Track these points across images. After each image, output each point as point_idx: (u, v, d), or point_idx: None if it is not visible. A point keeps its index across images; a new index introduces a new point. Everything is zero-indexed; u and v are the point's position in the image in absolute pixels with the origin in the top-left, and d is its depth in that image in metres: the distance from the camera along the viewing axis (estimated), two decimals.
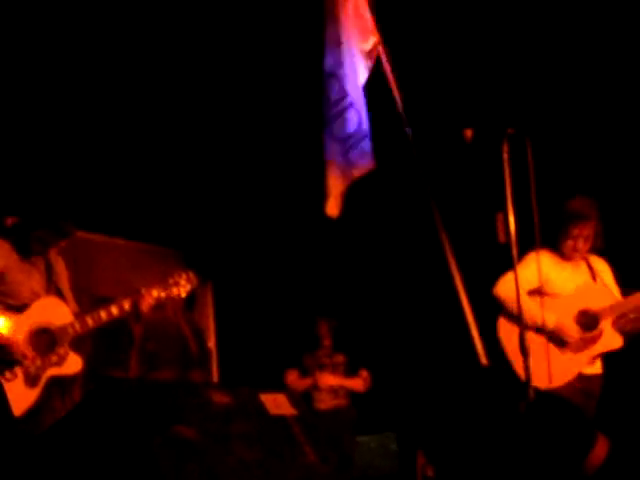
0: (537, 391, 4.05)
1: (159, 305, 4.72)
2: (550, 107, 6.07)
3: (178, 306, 6.50)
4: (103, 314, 4.51)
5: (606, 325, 4.69)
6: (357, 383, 6.34)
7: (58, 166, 6.01)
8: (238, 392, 4.33)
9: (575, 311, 4.72)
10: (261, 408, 4.28)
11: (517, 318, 4.64)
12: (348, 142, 5.39)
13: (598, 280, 4.84)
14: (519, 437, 3.07)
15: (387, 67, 5.44)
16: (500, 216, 4.29)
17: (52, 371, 4.41)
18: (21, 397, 4.32)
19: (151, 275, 5.53)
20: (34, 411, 4.33)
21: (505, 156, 4.12)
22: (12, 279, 4.47)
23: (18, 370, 4.33)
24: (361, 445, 6.16)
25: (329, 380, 6.26)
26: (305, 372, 6.36)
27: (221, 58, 6.56)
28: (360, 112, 5.39)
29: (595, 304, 4.72)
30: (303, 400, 5.30)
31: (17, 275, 4.49)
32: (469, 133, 4.25)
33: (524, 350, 4.18)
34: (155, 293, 4.64)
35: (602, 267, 4.91)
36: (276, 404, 4.38)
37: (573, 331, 4.66)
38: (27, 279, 4.53)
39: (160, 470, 3.72)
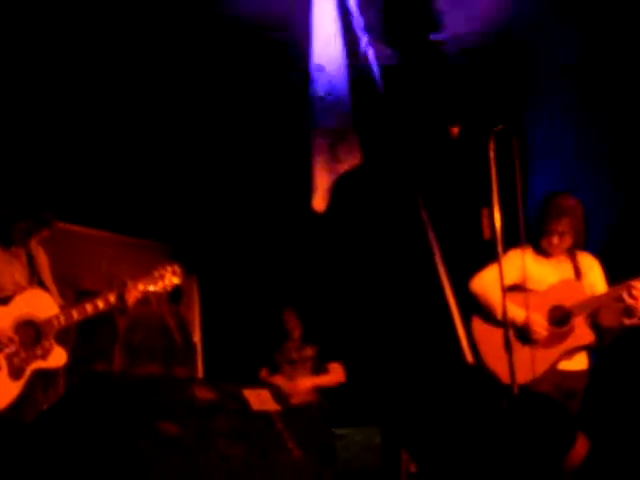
0: (504, 387, 4.05)
1: (144, 298, 4.71)
2: None
3: (162, 298, 6.47)
4: (89, 307, 4.48)
5: (579, 321, 4.69)
6: (329, 379, 6.10)
7: (44, 158, 5.98)
8: (222, 388, 4.31)
9: (548, 307, 4.70)
10: (244, 404, 4.27)
11: (489, 314, 4.68)
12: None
13: (583, 278, 4.83)
14: (501, 434, 3.08)
15: (374, 64, 5.44)
16: (485, 212, 4.31)
17: (36, 364, 4.38)
18: (4, 390, 4.29)
19: (136, 268, 5.51)
20: (17, 404, 4.31)
21: (491, 154, 4.13)
22: None
23: (2, 362, 4.30)
24: (345, 438, 6.09)
25: (304, 383, 6.01)
26: (275, 369, 6.19)
27: (205, 54, 6.54)
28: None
29: (570, 301, 4.68)
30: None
31: None
32: (456, 130, 4.26)
33: (509, 347, 4.19)
34: (141, 286, 4.62)
35: (589, 264, 4.85)
36: (260, 400, 4.36)
37: (541, 327, 4.63)
38: (8, 270, 4.49)
39: (143, 466, 3.71)
